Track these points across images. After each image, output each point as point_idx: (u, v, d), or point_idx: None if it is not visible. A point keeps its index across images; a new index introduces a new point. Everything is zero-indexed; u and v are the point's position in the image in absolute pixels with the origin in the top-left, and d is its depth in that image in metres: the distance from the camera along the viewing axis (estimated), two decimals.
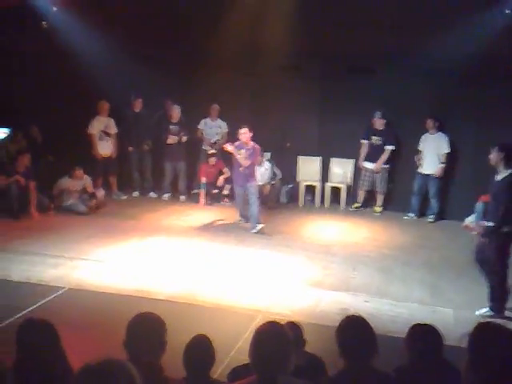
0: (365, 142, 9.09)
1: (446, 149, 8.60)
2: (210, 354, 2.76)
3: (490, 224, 4.90)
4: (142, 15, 8.50)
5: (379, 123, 8.93)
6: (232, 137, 9.22)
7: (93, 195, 8.57)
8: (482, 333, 1.54)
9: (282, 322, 2.92)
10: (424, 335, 2.70)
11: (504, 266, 5.00)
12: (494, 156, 4.96)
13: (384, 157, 8.97)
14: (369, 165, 9.11)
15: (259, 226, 7.45)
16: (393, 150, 8.97)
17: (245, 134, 7.58)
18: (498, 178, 4.98)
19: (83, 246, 6.57)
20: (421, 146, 8.75)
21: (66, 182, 8.49)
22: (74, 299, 5.03)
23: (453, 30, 7.27)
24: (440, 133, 8.66)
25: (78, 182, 8.54)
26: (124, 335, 2.26)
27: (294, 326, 3.05)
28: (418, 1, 7.91)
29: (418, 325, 2.81)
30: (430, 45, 7.51)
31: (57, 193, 8.50)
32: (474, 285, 5.52)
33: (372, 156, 9.06)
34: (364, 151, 9.12)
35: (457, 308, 5.24)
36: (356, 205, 9.28)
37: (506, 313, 5.07)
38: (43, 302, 4.91)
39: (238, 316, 4.80)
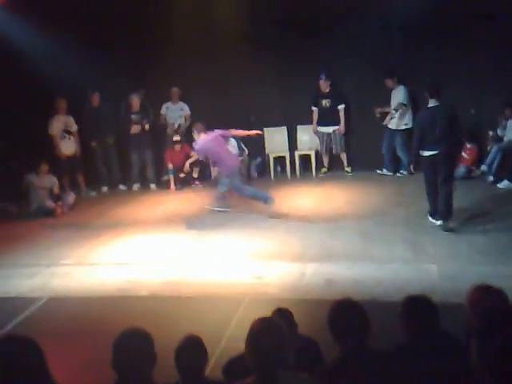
0: (315, 108, 9.13)
1: (399, 99, 8.60)
2: (202, 355, 2.69)
3: None
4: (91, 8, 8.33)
5: (325, 85, 8.98)
6: (196, 118, 9.04)
7: (58, 198, 8.31)
8: (490, 319, 1.50)
9: (271, 313, 2.91)
10: (419, 311, 2.59)
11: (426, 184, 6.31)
12: None
13: (342, 118, 9.05)
14: (323, 129, 9.18)
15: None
16: (344, 108, 9.02)
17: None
18: None
19: (57, 251, 6.38)
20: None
21: (32, 179, 8.28)
22: (56, 309, 4.89)
23: None
24: (401, 86, 8.65)
25: (45, 179, 8.33)
26: (110, 355, 2.16)
27: (283, 312, 3.02)
28: None
29: (411, 300, 2.68)
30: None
31: (24, 187, 8.28)
32: (453, 235, 5.54)
33: (324, 119, 9.13)
34: (316, 116, 9.17)
35: (439, 262, 5.25)
36: (323, 170, 9.38)
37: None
38: (24, 315, 4.76)
39: (225, 302, 4.74)
